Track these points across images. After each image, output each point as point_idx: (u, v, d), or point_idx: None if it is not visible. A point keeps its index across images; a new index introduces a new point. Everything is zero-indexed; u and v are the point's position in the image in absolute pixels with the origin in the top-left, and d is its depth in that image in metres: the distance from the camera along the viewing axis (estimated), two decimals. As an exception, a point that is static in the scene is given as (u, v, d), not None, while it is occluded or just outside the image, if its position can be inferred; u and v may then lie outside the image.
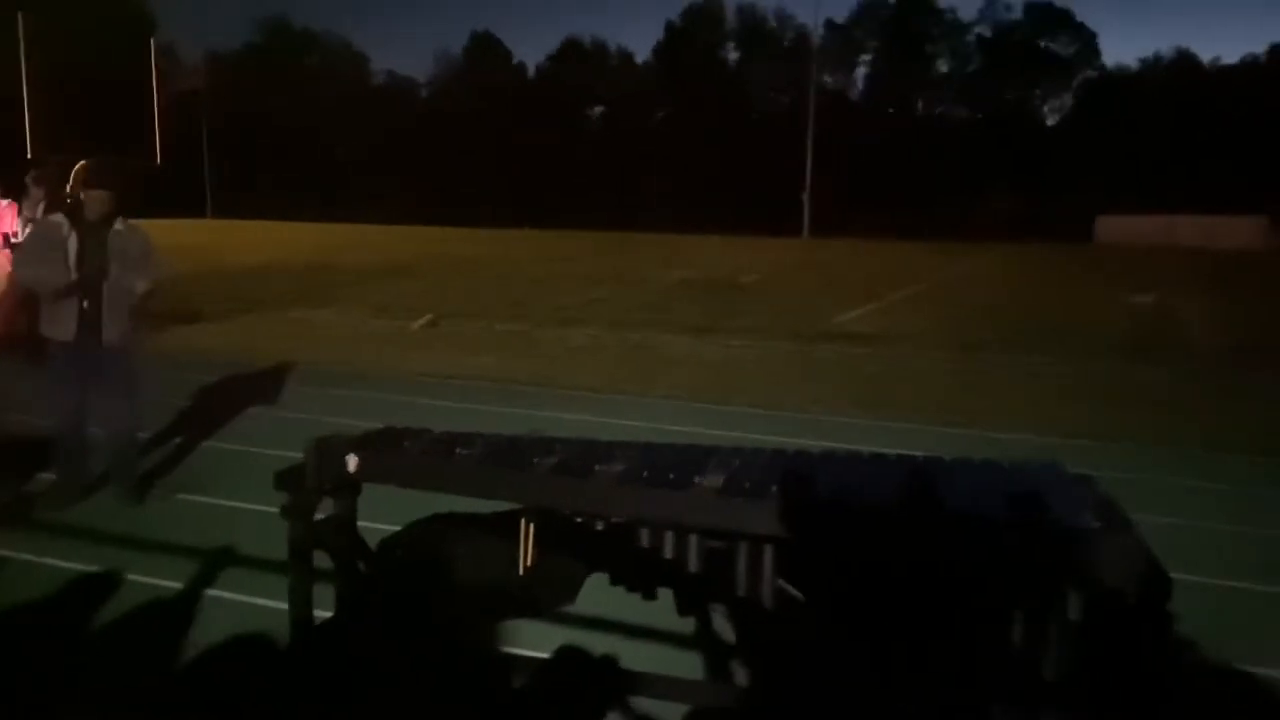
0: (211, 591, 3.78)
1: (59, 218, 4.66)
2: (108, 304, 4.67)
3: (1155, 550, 1.99)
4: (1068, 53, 65.34)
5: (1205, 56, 60.80)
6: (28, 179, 8.15)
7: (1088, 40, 64.98)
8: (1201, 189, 47.79)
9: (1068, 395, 8.24)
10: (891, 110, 66.11)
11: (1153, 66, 62.90)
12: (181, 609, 3.64)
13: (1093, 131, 57.69)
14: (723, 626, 3.40)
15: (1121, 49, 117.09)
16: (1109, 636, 1.97)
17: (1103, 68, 64.82)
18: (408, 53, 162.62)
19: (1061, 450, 5.79)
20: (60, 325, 4.62)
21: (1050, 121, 65.25)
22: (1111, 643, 1.97)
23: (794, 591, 2.55)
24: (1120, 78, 63.61)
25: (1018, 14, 65.77)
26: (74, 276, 4.56)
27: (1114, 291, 18.30)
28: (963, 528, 2.12)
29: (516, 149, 66.32)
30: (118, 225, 4.70)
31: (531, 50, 75.91)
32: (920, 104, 69.04)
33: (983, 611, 2.16)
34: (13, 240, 8.45)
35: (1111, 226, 45.93)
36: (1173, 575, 1.95)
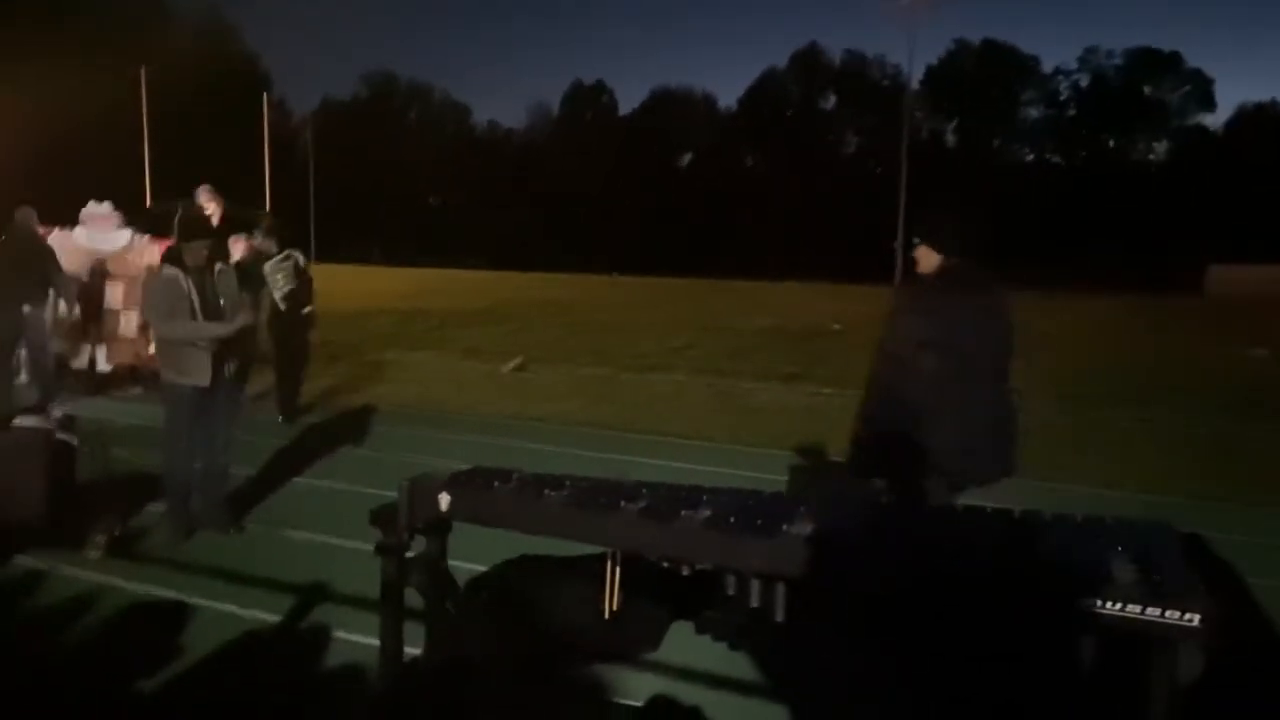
0: (304, 625, 3.87)
1: (173, 271, 4.78)
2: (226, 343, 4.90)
3: (1270, 615, 1.89)
4: (1175, 97, 63.62)
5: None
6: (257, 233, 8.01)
7: (1201, 84, 63.19)
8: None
9: (1178, 452, 7.88)
10: (984, 158, 65.20)
11: (1269, 108, 60.58)
12: (275, 641, 3.74)
13: (1202, 177, 55.66)
14: (808, 679, 3.32)
15: (1239, 92, 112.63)
16: (1219, 701, 1.86)
17: (1212, 112, 62.97)
18: (508, 103, 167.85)
19: (1170, 509, 5.54)
20: (195, 371, 4.76)
21: (1154, 168, 63.33)
22: (1222, 707, 1.87)
23: (883, 645, 2.49)
24: (1234, 121, 61.55)
25: (1118, 59, 64.50)
26: (201, 321, 4.76)
27: (1226, 345, 17.48)
28: (1063, 585, 2.04)
29: (606, 196, 67.42)
30: (219, 267, 4.94)
31: (624, 99, 77.35)
32: (1015, 151, 67.99)
33: (1083, 672, 2.07)
34: None
35: (1224, 277, 43.88)
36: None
